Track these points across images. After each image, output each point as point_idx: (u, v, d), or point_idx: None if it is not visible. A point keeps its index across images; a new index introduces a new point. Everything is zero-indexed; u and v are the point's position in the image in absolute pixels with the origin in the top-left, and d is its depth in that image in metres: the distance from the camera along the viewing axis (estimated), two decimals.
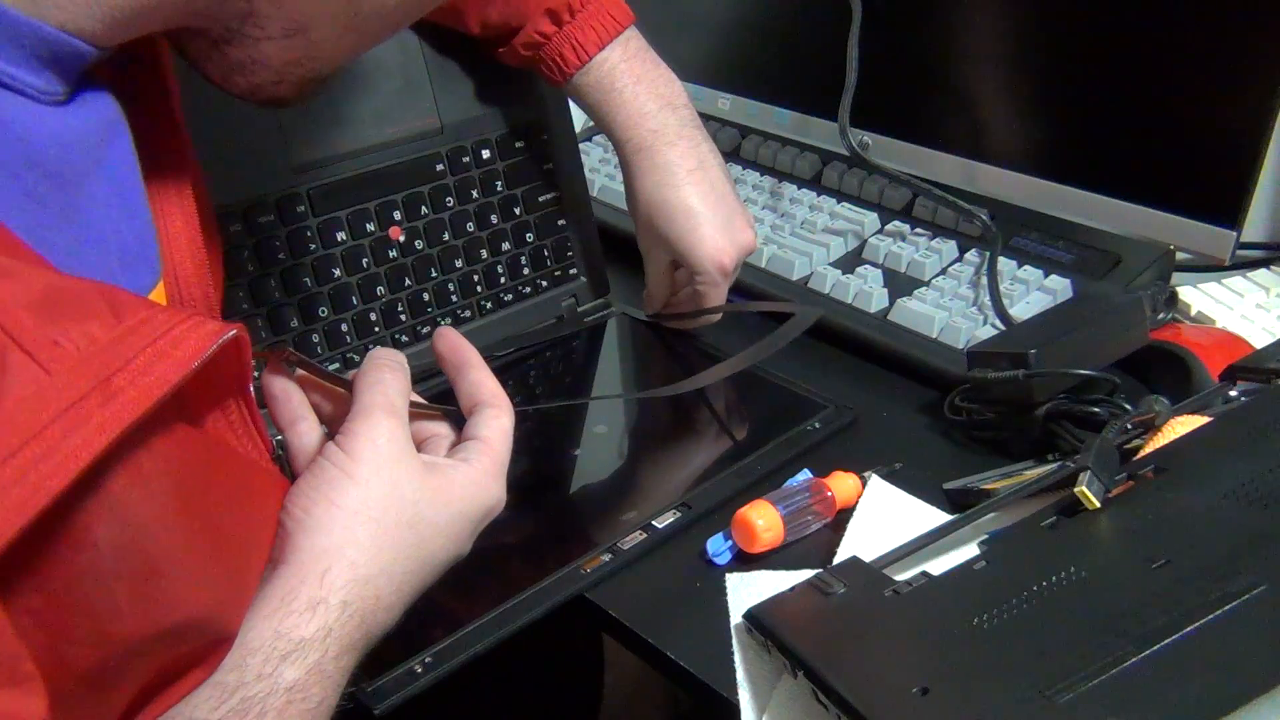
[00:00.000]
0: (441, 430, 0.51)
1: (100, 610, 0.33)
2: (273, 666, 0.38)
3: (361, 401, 0.46)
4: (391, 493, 0.44)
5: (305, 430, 0.49)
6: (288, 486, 0.46)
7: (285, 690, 0.38)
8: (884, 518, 0.58)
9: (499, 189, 0.77)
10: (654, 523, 0.58)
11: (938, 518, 0.57)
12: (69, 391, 0.30)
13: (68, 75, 0.37)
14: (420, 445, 0.49)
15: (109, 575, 0.33)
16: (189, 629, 0.36)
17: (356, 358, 0.70)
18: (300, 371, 0.50)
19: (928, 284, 0.78)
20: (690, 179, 0.71)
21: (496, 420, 0.49)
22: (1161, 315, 0.73)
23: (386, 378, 0.48)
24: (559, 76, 0.72)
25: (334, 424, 0.48)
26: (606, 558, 0.56)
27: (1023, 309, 0.73)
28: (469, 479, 0.47)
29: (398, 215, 0.71)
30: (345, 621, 0.41)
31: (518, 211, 0.78)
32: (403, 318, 0.72)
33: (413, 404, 0.49)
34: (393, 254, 0.71)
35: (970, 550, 0.52)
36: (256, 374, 0.56)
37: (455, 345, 0.51)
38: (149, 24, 0.39)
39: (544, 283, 0.80)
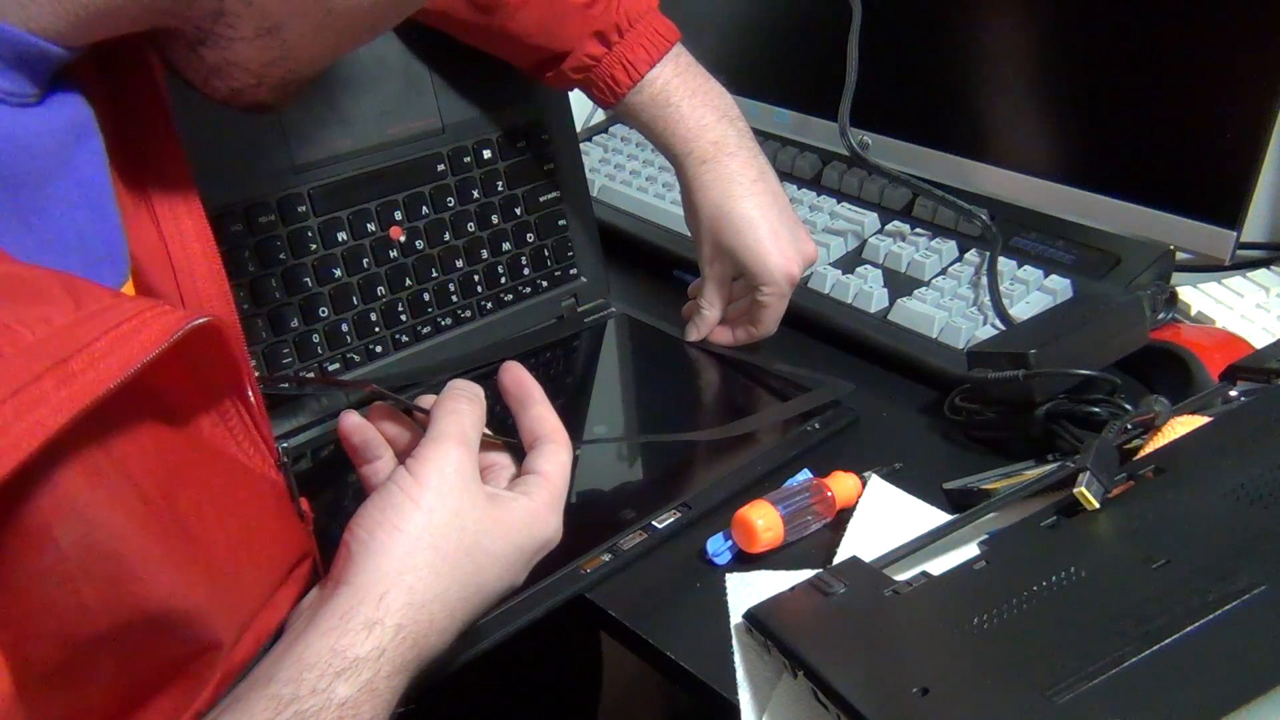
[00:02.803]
0: (502, 460, 0.52)
1: (65, 610, 0.33)
2: (327, 682, 0.39)
3: (436, 429, 0.47)
4: (453, 521, 0.45)
5: (381, 467, 0.51)
6: (286, 495, 0.46)
7: (338, 706, 0.39)
8: (884, 518, 0.58)
9: (500, 189, 0.77)
10: (654, 523, 0.58)
11: (938, 518, 0.57)
12: (23, 373, 0.30)
13: (36, 76, 0.37)
14: (481, 474, 0.50)
15: (74, 576, 0.33)
16: (164, 633, 0.36)
17: (357, 358, 0.70)
18: (378, 401, 0.52)
19: (928, 284, 0.78)
20: (754, 189, 0.71)
21: (556, 455, 0.50)
22: (1161, 315, 0.73)
23: (464, 408, 0.48)
24: (611, 98, 0.72)
25: (408, 453, 0.50)
26: (606, 558, 0.56)
27: (1023, 309, 0.73)
28: (529, 512, 0.48)
29: (399, 215, 0.71)
30: (399, 644, 0.41)
31: (518, 211, 0.78)
32: (403, 318, 0.72)
33: None
34: (393, 254, 0.71)
35: (970, 550, 0.52)
36: (296, 386, 0.56)
37: (520, 380, 0.52)
38: (117, 24, 0.38)
39: (544, 283, 0.80)
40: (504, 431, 0.52)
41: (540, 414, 0.51)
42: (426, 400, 0.52)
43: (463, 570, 0.44)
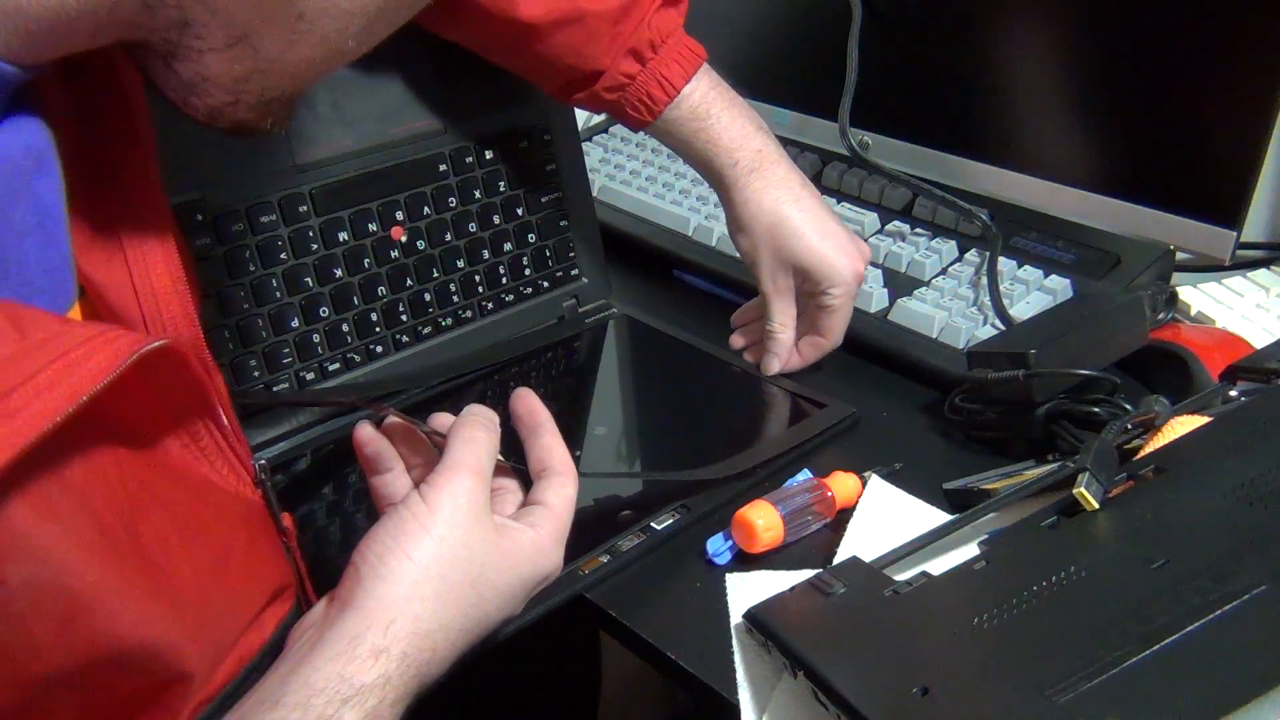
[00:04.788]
0: (509, 485, 0.52)
1: (17, 650, 0.32)
2: (334, 708, 0.39)
3: (452, 456, 0.47)
4: (462, 552, 0.45)
5: (391, 479, 0.51)
6: (265, 513, 0.46)
7: None
8: (884, 518, 0.58)
9: (501, 189, 0.77)
10: (653, 523, 0.58)
11: (938, 518, 0.57)
12: None
13: None
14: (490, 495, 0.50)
15: (26, 614, 0.32)
16: (127, 667, 0.35)
17: (357, 358, 0.70)
18: (392, 419, 0.52)
19: (928, 284, 0.78)
20: (805, 194, 0.70)
21: (563, 489, 0.50)
22: (1161, 315, 0.73)
23: (480, 436, 0.48)
24: (647, 115, 0.70)
25: (420, 472, 0.50)
26: (605, 559, 0.56)
27: (1023, 309, 0.73)
28: (534, 546, 0.48)
29: (400, 215, 0.71)
30: (404, 671, 0.42)
31: (520, 212, 0.78)
32: (404, 318, 0.72)
33: None
34: (394, 254, 0.71)
35: (970, 550, 0.52)
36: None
37: (532, 408, 0.52)
38: (75, 40, 0.37)
39: (545, 283, 0.80)
40: (512, 451, 0.52)
41: (550, 445, 0.51)
42: (441, 420, 0.52)
43: (467, 601, 0.44)
